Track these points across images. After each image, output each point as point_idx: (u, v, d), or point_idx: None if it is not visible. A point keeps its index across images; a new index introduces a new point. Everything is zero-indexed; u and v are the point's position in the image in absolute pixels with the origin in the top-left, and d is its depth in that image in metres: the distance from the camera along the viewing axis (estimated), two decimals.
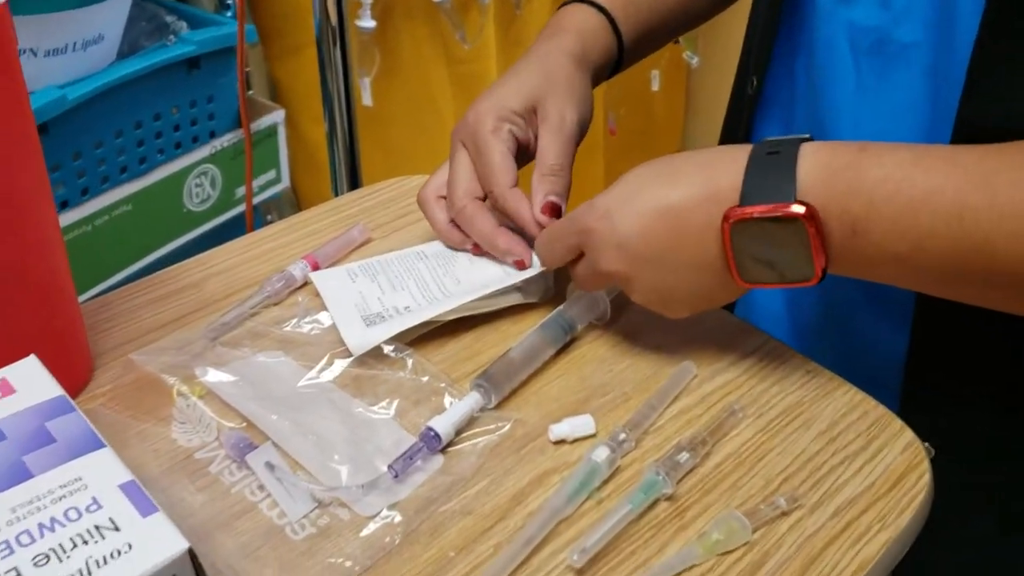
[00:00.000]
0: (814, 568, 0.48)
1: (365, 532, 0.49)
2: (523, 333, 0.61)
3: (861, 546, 0.49)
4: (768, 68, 0.69)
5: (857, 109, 0.61)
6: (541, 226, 0.62)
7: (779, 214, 0.49)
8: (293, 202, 1.69)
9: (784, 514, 0.51)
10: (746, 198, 0.50)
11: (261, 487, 0.51)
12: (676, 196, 0.53)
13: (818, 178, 0.49)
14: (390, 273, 0.66)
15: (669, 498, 0.52)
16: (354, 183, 1.02)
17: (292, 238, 0.73)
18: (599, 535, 0.48)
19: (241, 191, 1.35)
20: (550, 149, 0.63)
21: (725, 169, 0.52)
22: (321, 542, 0.49)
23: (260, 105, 1.35)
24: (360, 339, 0.59)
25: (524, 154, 0.66)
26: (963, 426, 0.60)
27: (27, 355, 0.50)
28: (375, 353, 0.59)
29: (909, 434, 0.56)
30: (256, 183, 1.37)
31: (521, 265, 0.63)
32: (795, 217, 0.49)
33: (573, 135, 0.65)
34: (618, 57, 0.70)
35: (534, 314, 0.65)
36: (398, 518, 0.50)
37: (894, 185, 0.48)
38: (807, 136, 0.52)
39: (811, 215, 0.49)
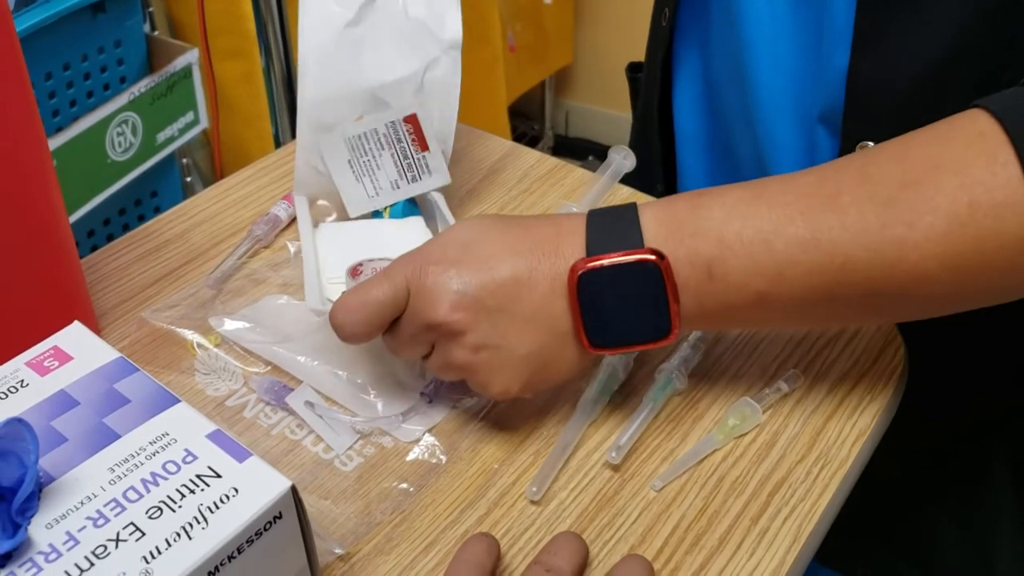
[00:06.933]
0: (820, 441, 0.54)
1: (411, 456, 0.52)
2: None
3: (857, 417, 0.55)
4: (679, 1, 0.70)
5: (773, 47, 0.63)
6: None
7: (631, 260, 0.47)
8: (204, 143, 1.65)
9: (786, 396, 0.56)
10: (593, 246, 0.48)
11: (300, 426, 0.54)
12: (520, 244, 0.49)
13: (662, 226, 0.48)
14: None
15: (681, 393, 0.56)
16: (295, 120, 1.01)
17: (265, 181, 0.73)
18: (629, 433, 0.52)
19: (163, 136, 1.31)
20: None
21: (567, 225, 0.50)
22: (372, 470, 0.51)
23: (171, 46, 1.31)
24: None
25: None
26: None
27: (39, 318, 0.51)
28: None
29: None
30: (175, 126, 1.34)
31: None
32: (647, 263, 0.47)
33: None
34: None
35: None
36: (439, 440, 0.53)
37: (741, 221, 0.47)
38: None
39: (662, 258, 0.47)
